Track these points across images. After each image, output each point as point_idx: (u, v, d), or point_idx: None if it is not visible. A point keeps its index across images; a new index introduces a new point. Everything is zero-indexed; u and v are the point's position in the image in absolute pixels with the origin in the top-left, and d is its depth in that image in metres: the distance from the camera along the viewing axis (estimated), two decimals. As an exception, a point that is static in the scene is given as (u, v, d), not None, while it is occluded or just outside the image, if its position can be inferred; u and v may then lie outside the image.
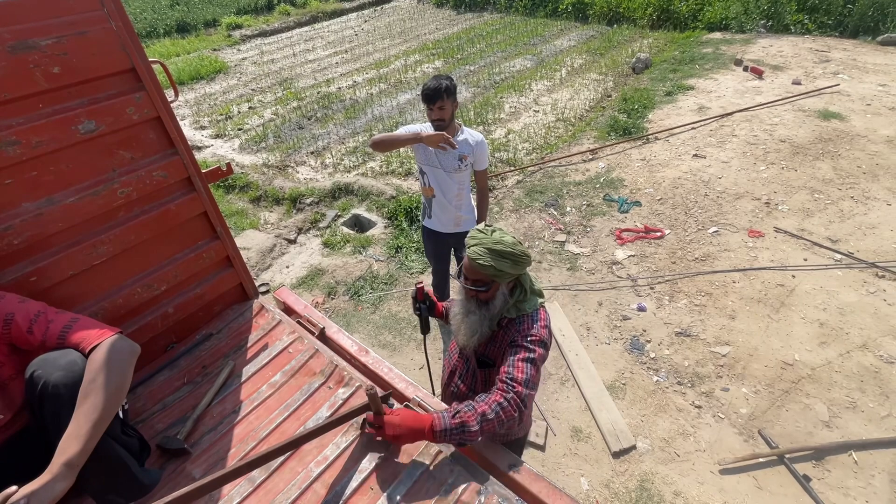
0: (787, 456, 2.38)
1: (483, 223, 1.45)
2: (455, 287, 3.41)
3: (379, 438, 1.45)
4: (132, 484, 1.24)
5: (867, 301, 3.20)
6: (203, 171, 1.84)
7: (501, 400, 1.31)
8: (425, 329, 1.83)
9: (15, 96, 1.32)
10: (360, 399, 1.63)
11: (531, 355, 1.36)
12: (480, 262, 1.35)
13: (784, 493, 2.27)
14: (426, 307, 1.75)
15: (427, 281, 3.70)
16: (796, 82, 6.29)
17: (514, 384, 1.32)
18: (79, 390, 1.10)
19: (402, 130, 2.37)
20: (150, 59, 1.58)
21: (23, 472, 1.15)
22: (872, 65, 6.67)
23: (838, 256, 3.58)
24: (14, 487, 0.98)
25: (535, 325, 1.42)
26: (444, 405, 1.58)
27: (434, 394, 1.71)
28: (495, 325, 1.47)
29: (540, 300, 1.49)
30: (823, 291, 3.30)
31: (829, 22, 8.11)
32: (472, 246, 1.38)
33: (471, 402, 1.34)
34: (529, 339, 1.39)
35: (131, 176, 1.61)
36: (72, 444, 1.04)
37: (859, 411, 2.58)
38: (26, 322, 1.19)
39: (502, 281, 1.40)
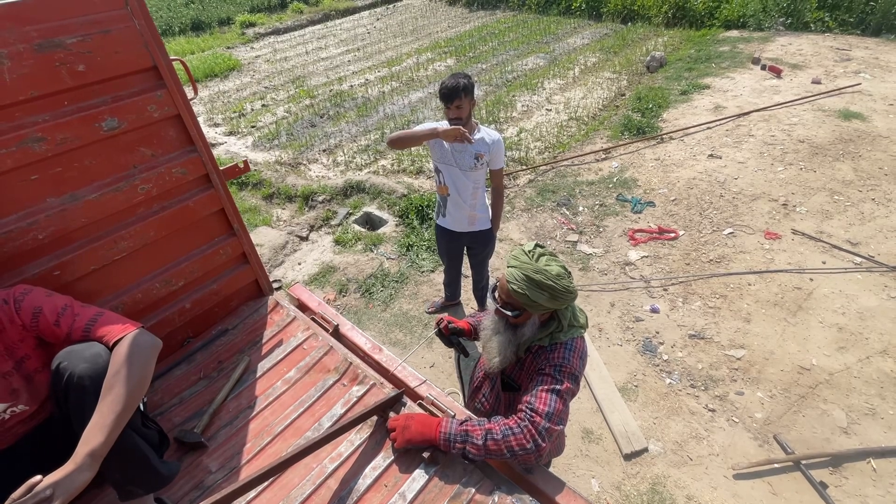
0: (804, 462, 2.34)
1: (534, 243, 1.36)
2: (468, 287, 3.42)
3: (392, 439, 1.45)
4: (152, 475, 1.26)
5: (888, 306, 3.13)
6: (220, 168, 1.86)
7: (514, 425, 1.24)
8: (466, 354, 1.77)
9: (41, 93, 1.35)
10: (374, 397, 1.64)
11: (557, 387, 1.26)
12: (514, 287, 1.26)
13: (800, 499, 2.23)
14: (457, 337, 1.68)
15: (438, 280, 3.70)
16: (816, 81, 6.16)
17: (533, 414, 1.24)
18: (103, 382, 1.12)
19: (418, 127, 2.38)
20: (170, 58, 1.60)
21: (47, 461, 1.18)
22: None
23: (858, 259, 3.50)
24: (38, 477, 1.00)
25: (566, 355, 1.32)
26: (460, 406, 1.59)
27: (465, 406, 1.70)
28: (522, 353, 1.40)
29: (580, 331, 1.39)
30: (842, 295, 3.24)
31: (851, 20, 7.92)
32: (511, 267, 1.30)
33: (486, 419, 1.33)
34: (558, 369, 1.29)
35: (151, 172, 1.63)
36: (95, 434, 1.06)
37: (879, 418, 2.53)
38: (53, 315, 1.22)
39: (535, 312, 1.31)
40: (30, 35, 1.29)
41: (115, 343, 1.20)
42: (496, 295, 1.38)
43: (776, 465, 2.35)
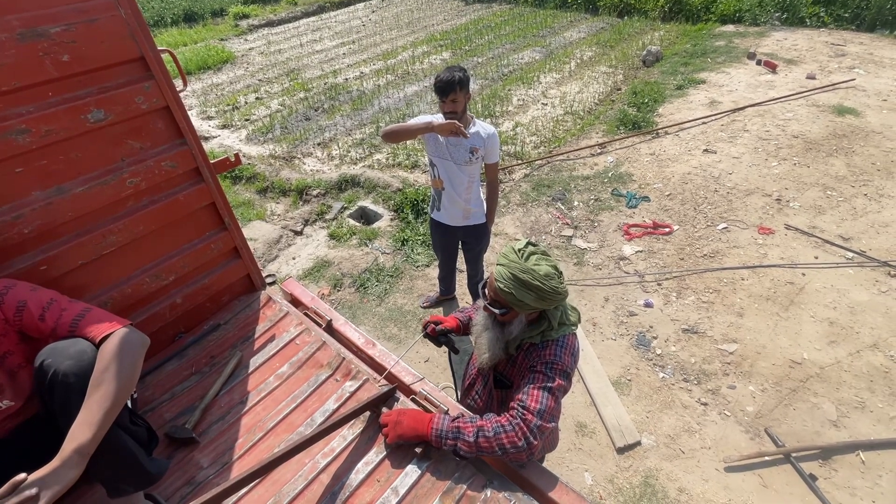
0: (794, 455, 2.36)
1: (526, 240, 1.33)
2: (463, 281, 3.41)
3: (384, 434, 1.44)
4: (140, 473, 1.24)
5: (879, 300, 3.16)
6: (211, 161, 1.84)
7: (505, 423, 1.24)
8: (456, 352, 1.76)
9: (24, 84, 1.32)
10: (367, 392, 1.64)
11: (549, 384, 1.26)
12: (500, 285, 1.25)
13: (790, 491, 2.25)
14: (445, 337, 1.66)
15: (433, 274, 3.69)
16: (811, 77, 6.17)
17: (525, 412, 1.23)
18: (88, 379, 1.10)
19: (413, 120, 2.36)
20: (158, 48, 1.56)
21: (33, 459, 1.16)
22: (890, 59, 6.52)
23: (850, 255, 3.53)
24: (23, 475, 0.98)
25: (558, 353, 1.31)
26: (453, 402, 1.58)
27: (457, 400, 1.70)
28: (513, 350, 1.39)
29: (572, 328, 1.38)
30: (834, 290, 3.26)
31: (846, 15, 7.93)
32: (500, 265, 1.28)
33: (478, 416, 1.33)
34: (550, 367, 1.29)
35: (140, 166, 1.61)
36: (83, 431, 1.04)
37: (868, 411, 2.56)
38: (38, 309, 1.19)
39: (521, 311, 1.30)
40: (12, 24, 1.26)
41: (103, 340, 1.18)
42: (485, 291, 1.37)
43: (767, 458, 2.37)
